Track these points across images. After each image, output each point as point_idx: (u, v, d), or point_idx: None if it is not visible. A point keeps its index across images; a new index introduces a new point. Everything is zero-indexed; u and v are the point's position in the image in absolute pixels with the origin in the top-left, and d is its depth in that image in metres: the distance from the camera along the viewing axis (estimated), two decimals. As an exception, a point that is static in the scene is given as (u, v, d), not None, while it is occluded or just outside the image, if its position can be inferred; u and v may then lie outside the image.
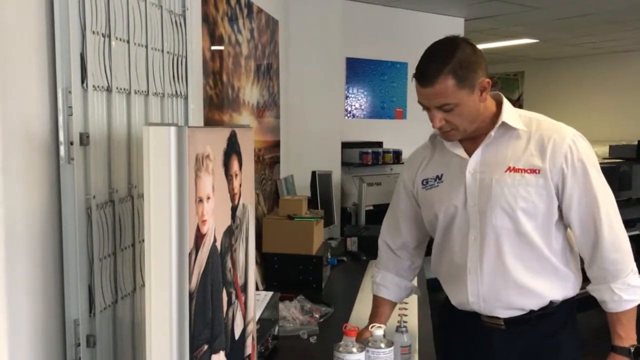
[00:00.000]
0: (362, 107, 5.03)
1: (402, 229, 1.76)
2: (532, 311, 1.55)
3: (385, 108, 5.18)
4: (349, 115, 4.92)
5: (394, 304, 1.80)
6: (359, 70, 4.96)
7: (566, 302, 1.57)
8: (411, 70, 5.71)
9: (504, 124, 1.51)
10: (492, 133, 1.52)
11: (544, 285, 1.53)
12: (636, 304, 1.50)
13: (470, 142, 1.56)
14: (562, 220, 1.53)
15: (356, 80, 4.95)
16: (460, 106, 1.45)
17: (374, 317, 1.74)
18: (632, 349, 1.49)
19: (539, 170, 1.48)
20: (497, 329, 1.57)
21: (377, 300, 1.78)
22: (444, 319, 1.76)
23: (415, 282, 1.89)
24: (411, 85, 5.57)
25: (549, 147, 1.48)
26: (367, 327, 1.67)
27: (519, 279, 1.52)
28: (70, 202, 1.15)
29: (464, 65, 1.42)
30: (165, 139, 0.92)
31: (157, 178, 0.93)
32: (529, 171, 1.48)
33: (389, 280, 1.78)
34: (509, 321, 1.56)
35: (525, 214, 1.49)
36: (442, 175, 1.62)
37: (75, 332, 1.17)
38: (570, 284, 1.57)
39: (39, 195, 1.12)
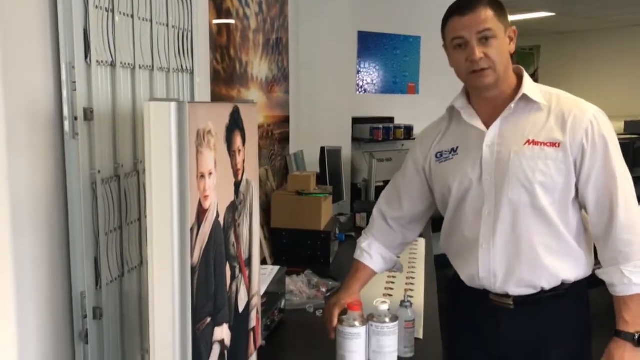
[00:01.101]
0: (374, 81, 4.99)
1: (401, 202, 1.75)
2: (542, 290, 1.53)
3: (398, 83, 5.13)
4: (360, 90, 4.88)
5: (374, 274, 1.77)
6: (371, 44, 4.91)
7: (578, 284, 1.54)
8: (425, 44, 5.62)
9: (524, 96, 1.50)
10: (512, 105, 1.51)
11: (557, 263, 1.51)
12: None
13: (489, 115, 1.55)
14: (578, 199, 1.51)
15: (368, 55, 4.90)
16: (498, 40, 1.45)
17: (350, 281, 1.72)
18: (638, 336, 1.45)
19: (559, 144, 1.46)
20: (505, 308, 1.56)
21: (357, 265, 1.75)
22: (451, 297, 1.75)
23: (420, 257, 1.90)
24: (424, 59, 5.48)
25: (570, 122, 1.46)
26: (342, 291, 1.70)
27: (533, 254, 1.50)
28: (76, 177, 1.16)
29: (498, 3, 1.47)
30: (165, 114, 0.92)
31: (158, 153, 0.93)
32: (549, 144, 1.47)
33: (375, 249, 1.76)
34: (519, 301, 1.54)
35: (543, 188, 1.47)
36: (457, 147, 1.60)
37: (82, 304, 1.20)
38: (582, 265, 1.54)
39: (44, 170, 1.13)
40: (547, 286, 1.53)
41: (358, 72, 4.83)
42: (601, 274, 1.51)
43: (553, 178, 1.47)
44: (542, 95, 1.52)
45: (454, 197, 1.60)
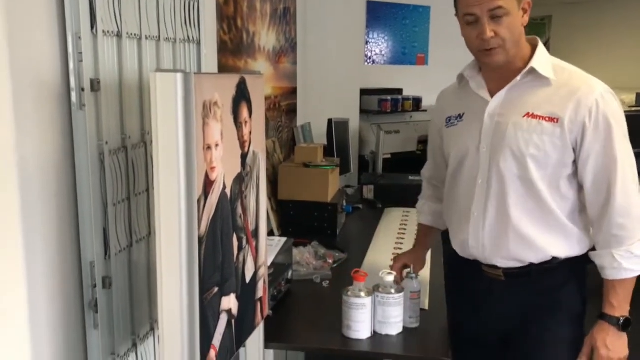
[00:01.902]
0: (383, 52, 4.93)
1: (431, 162, 1.85)
2: (531, 264, 1.53)
3: (407, 54, 5.07)
4: (368, 61, 4.83)
5: (436, 230, 1.87)
6: (380, 14, 4.84)
7: (570, 261, 1.54)
8: (434, 14, 5.55)
9: (532, 70, 1.48)
10: (519, 77, 1.49)
11: (546, 238, 1.51)
12: (635, 274, 1.45)
13: (496, 85, 1.54)
14: (577, 178, 1.50)
15: (377, 25, 4.84)
16: (510, 17, 1.42)
17: (415, 243, 1.92)
18: (622, 320, 1.46)
19: (557, 120, 1.45)
20: (497, 279, 1.58)
21: (419, 227, 1.92)
22: (450, 266, 1.80)
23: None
24: (434, 29, 5.42)
25: (575, 98, 1.44)
26: (408, 252, 1.87)
27: (521, 228, 1.50)
28: (83, 148, 1.17)
29: None
30: (171, 85, 0.92)
31: (164, 125, 0.93)
32: (547, 119, 1.45)
33: (427, 207, 1.87)
34: (509, 273, 1.56)
35: (534, 161, 1.46)
36: (463, 114, 1.62)
37: (92, 273, 1.21)
38: (575, 243, 1.53)
39: (51, 141, 1.13)
40: (536, 261, 1.53)
41: (366, 42, 4.77)
42: (593, 256, 1.51)
43: (547, 153, 1.46)
44: (554, 70, 1.49)
45: (452, 163, 1.63)
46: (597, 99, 1.43)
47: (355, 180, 3.71)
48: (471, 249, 1.59)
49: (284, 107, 3.03)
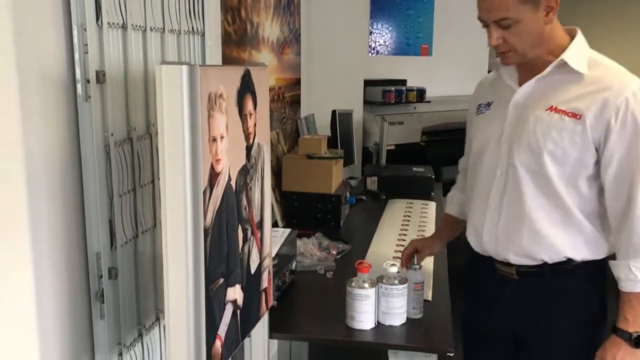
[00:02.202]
0: (387, 43, 4.92)
1: (467, 151, 1.78)
2: (545, 264, 1.49)
3: (411, 44, 5.06)
4: (372, 51, 4.82)
5: (462, 222, 1.77)
6: (384, 5, 4.82)
7: (587, 264, 1.48)
8: (438, 4, 5.53)
9: (563, 63, 1.43)
10: (548, 69, 1.44)
11: (561, 237, 1.46)
12: None
13: (527, 76, 1.49)
14: (599, 179, 1.44)
15: (381, 15, 4.82)
16: (521, 24, 1.37)
17: (435, 232, 1.93)
18: (635, 336, 1.39)
19: (580, 116, 1.39)
20: (509, 278, 1.55)
21: (443, 216, 1.91)
22: (467, 261, 1.74)
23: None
24: (438, 20, 5.38)
25: (603, 95, 1.37)
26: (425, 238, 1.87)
27: (535, 224, 1.47)
28: (89, 139, 1.17)
29: None
30: (177, 77, 0.92)
31: (170, 117, 0.94)
32: (570, 114, 1.40)
33: (456, 197, 1.83)
34: (522, 272, 1.52)
35: (551, 157, 1.42)
36: (492, 102, 1.59)
37: (98, 264, 1.22)
38: (593, 246, 1.47)
39: (57, 133, 1.14)
40: (549, 260, 1.49)
41: (370, 33, 4.76)
42: (611, 265, 1.45)
43: (565, 150, 1.41)
44: (589, 63, 1.43)
45: (474, 153, 1.60)
46: (628, 97, 1.36)
47: (359, 171, 3.72)
48: (484, 243, 1.56)
49: (287, 99, 3.03)
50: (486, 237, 1.55)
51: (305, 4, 3.35)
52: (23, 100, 1.04)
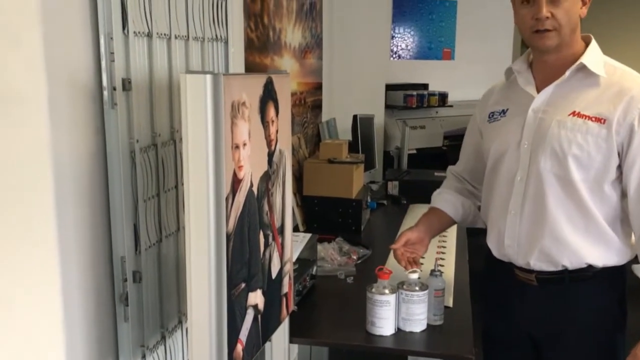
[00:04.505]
0: (409, 47, 4.91)
1: (463, 158, 1.80)
2: (565, 270, 1.49)
3: (433, 48, 5.05)
4: (394, 56, 4.82)
5: (442, 214, 1.74)
6: (406, 9, 4.82)
7: (607, 270, 1.48)
8: (461, 8, 5.50)
9: (582, 66, 1.44)
10: (567, 73, 1.45)
11: (582, 242, 1.46)
12: None
13: (545, 80, 1.51)
14: (622, 184, 1.44)
15: (403, 20, 4.82)
16: (569, 0, 1.39)
17: (419, 220, 1.76)
18: None
19: (604, 121, 1.40)
20: (529, 285, 1.55)
21: (429, 210, 1.79)
22: (484, 268, 1.75)
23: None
24: (461, 24, 5.34)
25: (625, 99, 1.39)
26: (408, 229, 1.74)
27: (557, 230, 1.46)
28: (115, 145, 1.20)
29: None
30: (201, 86, 0.94)
31: (194, 125, 0.96)
32: (593, 119, 1.41)
33: (444, 194, 1.79)
34: (541, 278, 1.52)
35: (576, 162, 1.42)
36: (507, 110, 1.59)
37: (123, 268, 1.25)
38: (614, 252, 1.48)
39: (84, 139, 1.16)
40: (570, 265, 1.48)
41: (392, 37, 4.76)
42: (636, 269, 1.46)
43: (590, 154, 1.41)
44: (606, 69, 1.45)
45: (491, 158, 1.59)
46: None
47: (380, 175, 3.72)
48: (507, 248, 1.55)
49: (309, 103, 3.05)
50: (508, 242, 1.55)
51: (328, 9, 3.37)
52: (52, 107, 1.06)
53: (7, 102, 1.02)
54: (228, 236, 1.03)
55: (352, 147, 3.04)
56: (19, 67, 1.02)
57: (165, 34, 1.34)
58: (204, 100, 0.94)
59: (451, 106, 4.50)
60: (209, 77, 0.94)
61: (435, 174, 3.31)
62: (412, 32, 4.90)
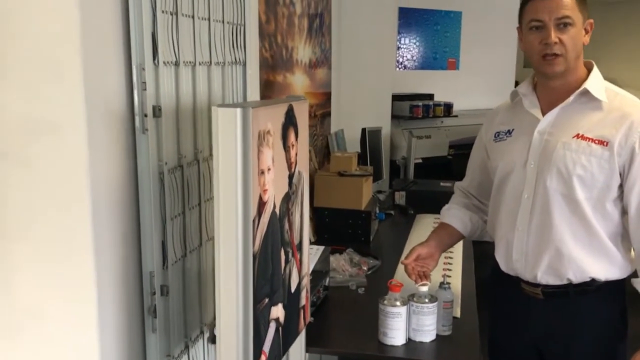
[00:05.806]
0: (414, 57, 4.99)
1: (469, 176, 1.87)
2: (570, 284, 1.57)
3: (438, 59, 5.12)
4: (400, 66, 4.89)
5: (451, 229, 1.82)
6: (411, 20, 4.90)
7: (609, 284, 1.57)
8: (465, 19, 5.57)
9: (585, 91, 1.53)
10: (571, 97, 1.54)
11: (586, 257, 1.54)
12: None
13: (549, 103, 1.59)
14: (622, 202, 1.53)
15: (408, 31, 4.90)
16: (575, 28, 1.48)
17: (429, 236, 1.83)
18: None
19: (607, 143, 1.48)
20: (535, 298, 1.62)
21: (439, 226, 1.88)
22: (492, 281, 1.81)
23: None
24: (465, 35, 5.39)
25: (626, 123, 1.48)
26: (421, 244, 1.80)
27: (562, 245, 1.54)
28: (146, 168, 1.28)
29: None
30: (232, 119, 1.02)
31: (225, 154, 1.04)
32: (596, 142, 1.49)
33: (452, 209, 1.87)
34: (547, 292, 1.59)
35: (580, 181, 1.50)
36: (512, 130, 1.67)
37: (151, 282, 1.32)
38: (616, 266, 1.56)
39: (118, 162, 1.25)
40: (574, 279, 1.56)
41: (398, 48, 4.83)
42: (635, 282, 1.53)
43: (593, 175, 1.49)
44: (607, 94, 1.53)
45: (498, 177, 1.67)
46: None
47: (387, 185, 3.79)
48: (515, 262, 1.63)
49: (319, 116, 3.13)
50: (516, 256, 1.63)
51: (336, 23, 3.45)
52: (90, 133, 1.14)
53: (50, 129, 1.11)
54: (254, 256, 1.11)
55: (361, 158, 3.11)
56: (62, 99, 1.11)
57: (190, 62, 1.43)
58: (234, 132, 1.02)
59: (456, 116, 4.58)
60: (239, 110, 1.02)
61: (441, 184, 3.38)
62: (417, 43, 4.97)
